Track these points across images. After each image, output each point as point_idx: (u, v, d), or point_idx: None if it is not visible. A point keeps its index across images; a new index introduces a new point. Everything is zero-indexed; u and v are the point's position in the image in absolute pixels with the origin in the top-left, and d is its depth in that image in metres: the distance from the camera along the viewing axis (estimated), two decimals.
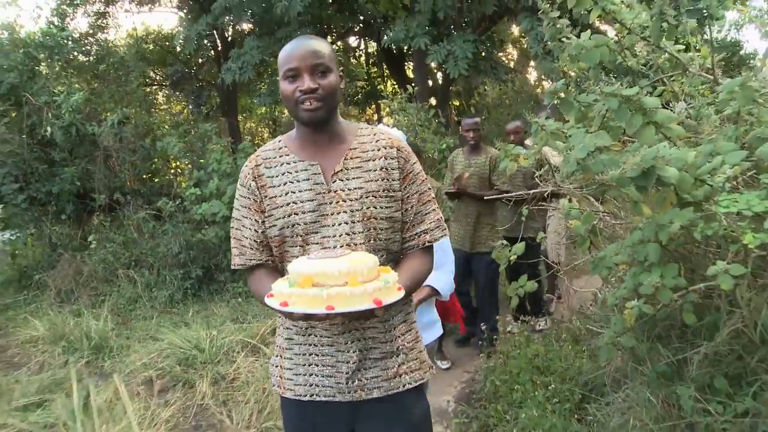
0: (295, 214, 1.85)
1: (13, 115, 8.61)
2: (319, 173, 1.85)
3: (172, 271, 7.45)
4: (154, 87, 14.29)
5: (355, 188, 1.84)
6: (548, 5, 3.17)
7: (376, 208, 1.84)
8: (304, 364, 1.91)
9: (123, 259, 7.85)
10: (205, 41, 10.01)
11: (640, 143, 2.58)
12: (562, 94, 2.96)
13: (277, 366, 2.00)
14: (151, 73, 14.00)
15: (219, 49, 12.31)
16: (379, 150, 1.89)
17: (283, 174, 1.89)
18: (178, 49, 11.74)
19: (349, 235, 1.82)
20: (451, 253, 3.05)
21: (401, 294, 1.64)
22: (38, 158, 8.56)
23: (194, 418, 4.15)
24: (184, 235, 7.60)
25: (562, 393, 3.38)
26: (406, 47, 9.01)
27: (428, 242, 1.93)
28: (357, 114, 15.41)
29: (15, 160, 8.28)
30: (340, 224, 1.83)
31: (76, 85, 9.29)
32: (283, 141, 1.95)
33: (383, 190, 1.86)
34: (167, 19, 20.27)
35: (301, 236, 1.84)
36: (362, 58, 14.89)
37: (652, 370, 2.86)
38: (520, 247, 3.41)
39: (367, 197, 1.84)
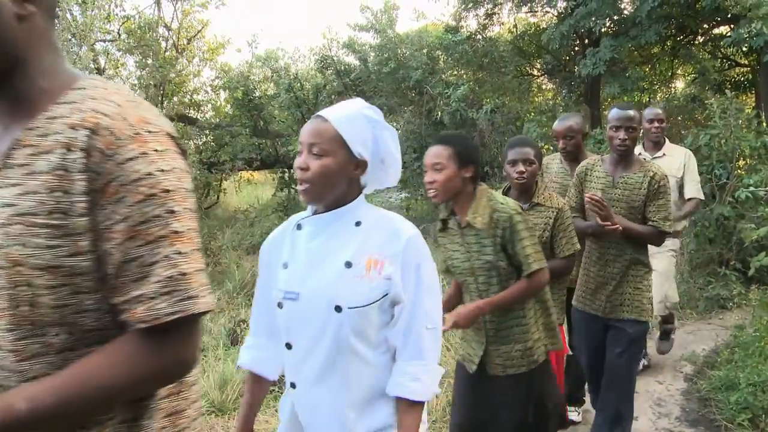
0: None
1: (415, 103, 11.43)
2: None
3: None
4: (529, 77, 16.19)
5: (2, 205, 1.01)
6: None
7: (26, 246, 0.99)
8: None
9: None
10: (566, 41, 11.46)
11: None
12: None
13: None
14: (527, 65, 15.89)
15: (585, 42, 13.65)
16: (63, 133, 1.01)
17: None
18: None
19: None
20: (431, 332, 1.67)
21: None
22: (430, 135, 11.21)
23: None
24: None
25: None
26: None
27: (144, 322, 1.00)
28: (743, 99, 15.03)
29: (414, 136, 11.08)
30: None
31: (465, 76, 11.69)
32: None
33: (47, 214, 0.99)
34: (546, 14, 21.74)
35: None
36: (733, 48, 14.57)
37: None
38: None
39: (13, 225, 0.99)
